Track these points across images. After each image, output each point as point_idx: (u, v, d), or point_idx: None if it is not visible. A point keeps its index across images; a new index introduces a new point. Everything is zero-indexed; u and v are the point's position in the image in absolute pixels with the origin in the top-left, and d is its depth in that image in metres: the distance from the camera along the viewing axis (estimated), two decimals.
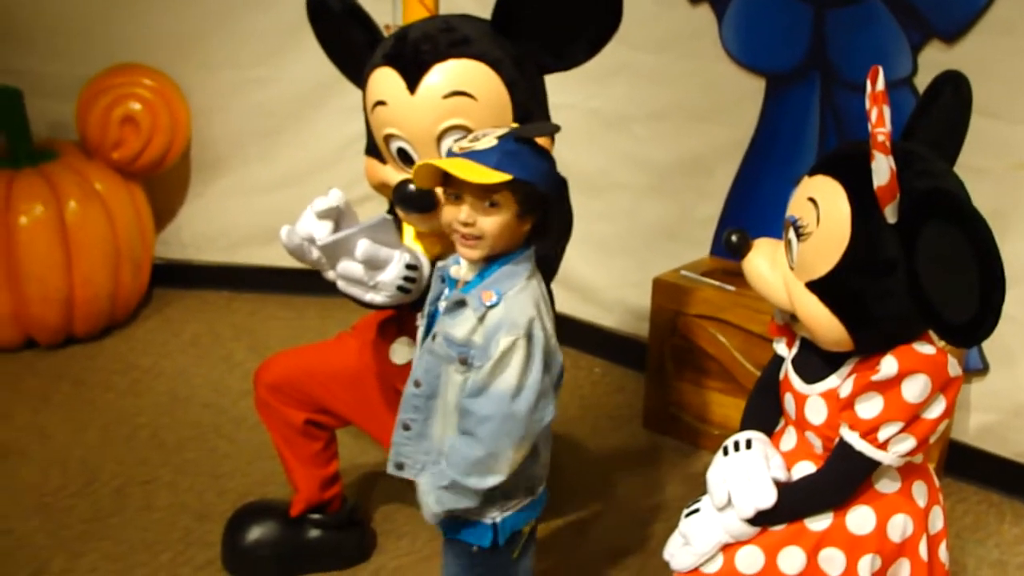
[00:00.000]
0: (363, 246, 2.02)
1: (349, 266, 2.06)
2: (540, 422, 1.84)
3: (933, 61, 2.83)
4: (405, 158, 2.14)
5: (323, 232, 2.05)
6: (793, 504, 1.83)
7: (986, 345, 2.95)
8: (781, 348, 1.97)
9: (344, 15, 2.33)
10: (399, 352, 2.35)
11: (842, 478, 1.82)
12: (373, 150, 2.24)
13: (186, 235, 4.21)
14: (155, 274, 4.06)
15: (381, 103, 2.12)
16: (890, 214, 1.66)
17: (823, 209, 1.72)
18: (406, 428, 1.94)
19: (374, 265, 2.04)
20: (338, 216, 2.08)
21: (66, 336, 3.72)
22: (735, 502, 1.83)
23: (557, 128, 1.92)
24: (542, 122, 1.77)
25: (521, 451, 1.84)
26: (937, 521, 1.92)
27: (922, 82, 2.77)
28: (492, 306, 1.81)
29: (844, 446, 1.78)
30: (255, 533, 2.55)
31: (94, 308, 3.70)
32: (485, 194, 1.77)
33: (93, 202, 3.64)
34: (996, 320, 1.59)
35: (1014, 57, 2.74)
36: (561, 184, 1.97)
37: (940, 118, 1.85)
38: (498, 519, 1.93)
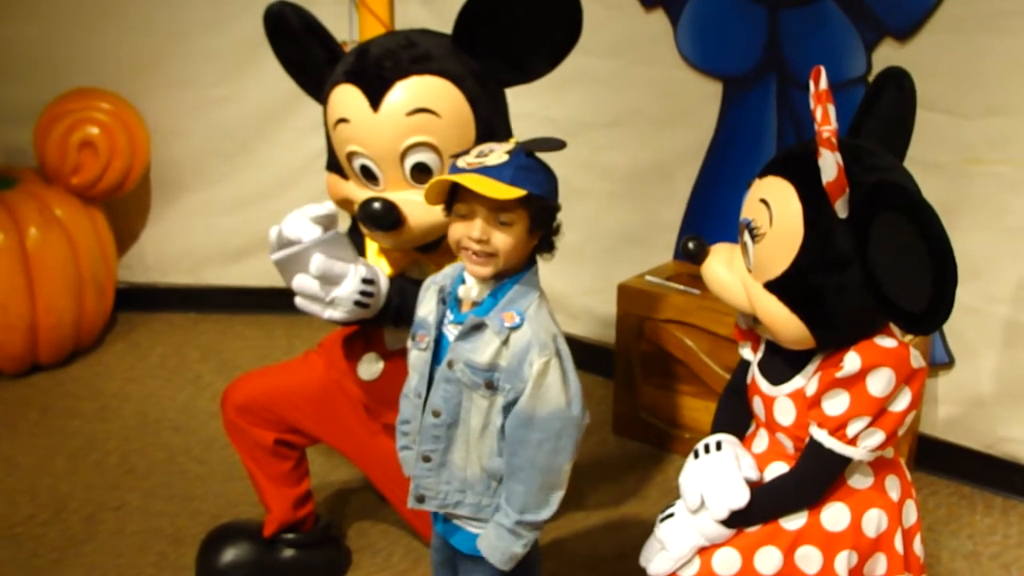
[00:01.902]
0: (317, 260, 2.00)
1: (304, 281, 2.04)
2: (584, 427, 1.84)
3: (887, 59, 2.85)
4: (368, 175, 2.14)
5: (313, 234, 2.03)
6: (767, 504, 1.84)
7: (950, 338, 2.98)
8: (746, 352, 1.99)
9: (303, 31, 2.32)
10: (366, 368, 2.34)
11: (814, 476, 1.83)
12: (335, 166, 2.23)
13: (149, 258, 4.19)
14: (119, 298, 4.03)
15: (343, 120, 2.12)
16: (841, 209, 1.68)
17: (775, 209, 1.74)
18: (426, 460, 1.89)
19: (329, 280, 2.03)
20: (329, 225, 2.06)
21: (31, 364, 3.68)
22: (708, 504, 1.84)
23: (563, 144, 1.84)
24: (547, 138, 1.76)
25: (572, 462, 1.84)
26: (911, 514, 1.93)
27: None
28: (515, 327, 1.78)
29: (814, 444, 1.79)
30: (229, 555, 2.53)
31: (58, 334, 3.67)
32: (499, 210, 1.74)
33: (54, 228, 3.61)
34: (951, 305, 1.62)
35: (964, 54, 2.77)
36: (558, 198, 1.92)
37: (885, 114, 1.87)
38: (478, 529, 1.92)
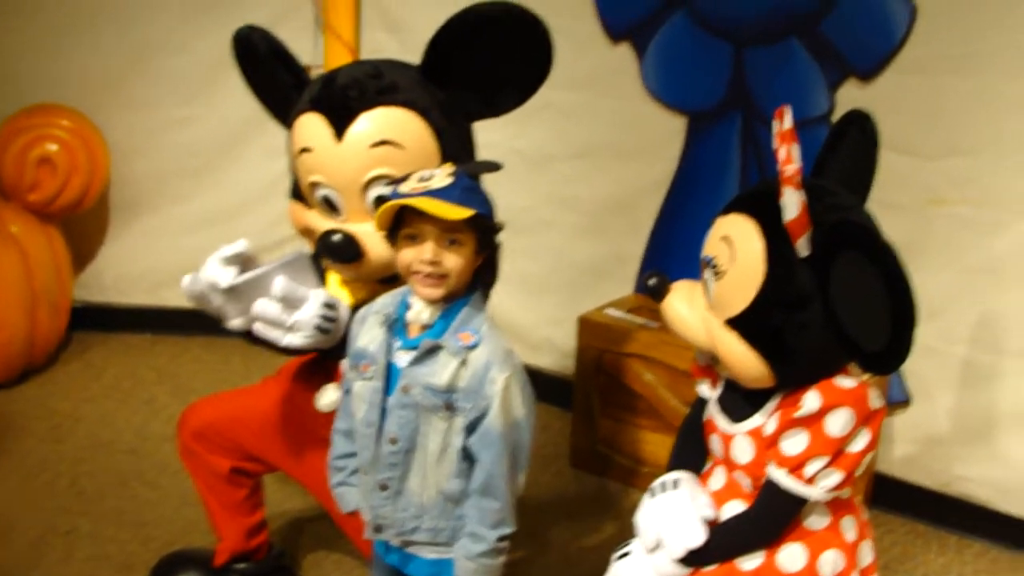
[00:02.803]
0: (280, 283, 1.98)
1: (265, 306, 2.01)
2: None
3: (850, 99, 2.88)
4: (330, 205, 2.12)
5: (227, 277, 2.00)
6: (723, 543, 1.83)
7: (908, 377, 3.00)
8: (704, 389, 1.98)
9: (269, 56, 2.29)
10: (325, 399, 2.32)
11: (772, 515, 1.82)
12: (298, 194, 2.21)
13: (107, 277, 4.15)
14: (75, 317, 3.98)
15: (306, 150, 2.10)
16: (802, 247, 1.68)
17: (737, 246, 1.74)
18: (383, 488, 1.89)
19: (291, 303, 2.00)
20: (244, 263, 2.05)
21: None
22: (665, 543, 1.83)
23: (499, 166, 1.90)
24: (483, 160, 1.78)
25: (524, 473, 1.87)
26: (866, 555, 1.93)
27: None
28: (472, 347, 1.80)
29: (772, 484, 1.79)
30: None
31: (10, 352, 3.62)
32: (448, 231, 1.76)
33: (8, 245, 3.57)
34: (910, 345, 1.63)
35: (927, 95, 2.79)
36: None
37: (848, 155, 1.89)
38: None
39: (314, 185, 2.11)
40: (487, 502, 1.84)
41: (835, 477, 1.75)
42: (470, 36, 2.12)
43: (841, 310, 1.67)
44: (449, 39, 2.14)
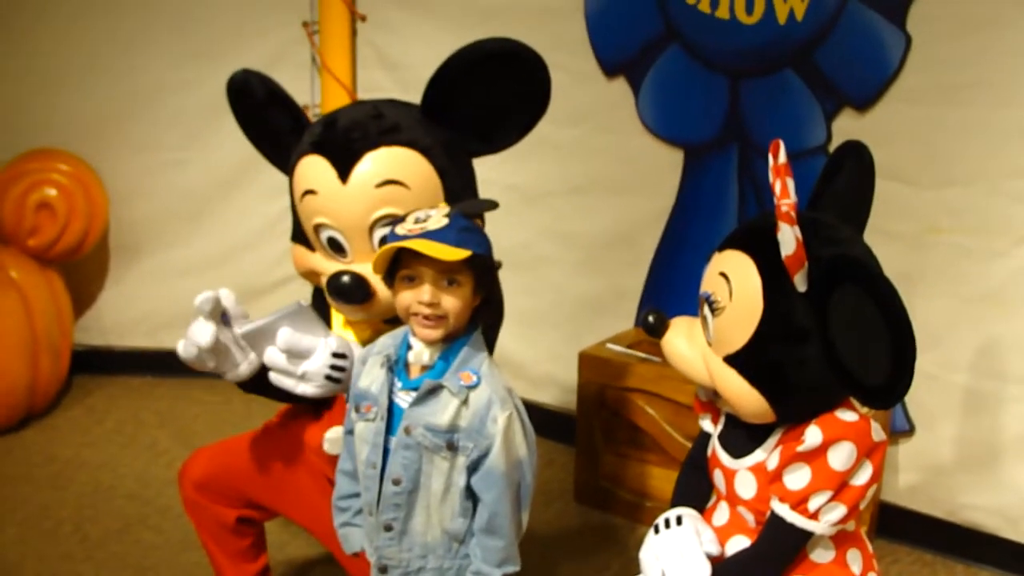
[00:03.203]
0: (284, 334, 1.98)
1: (274, 355, 2.01)
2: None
3: (846, 129, 2.88)
4: (336, 247, 2.12)
5: (207, 335, 2.00)
6: None
7: (911, 406, 2.99)
8: (707, 425, 1.98)
9: (267, 100, 2.29)
10: (331, 443, 2.31)
11: (776, 551, 1.82)
12: (300, 237, 2.21)
13: (107, 321, 4.14)
14: (75, 361, 3.98)
15: (311, 192, 2.09)
16: (800, 283, 1.68)
17: (735, 283, 1.74)
18: (388, 528, 1.89)
19: (296, 354, 2.00)
20: (221, 309, 2.04)
21: None
22: None
23: (495, 205, 1.90)
24: (479, 199, 1.80)
25: (527, 511, 1.87)
26: None
27: None
28: (473, 386, 1.81)
29: (775, 518, 1.78)
30: None
31: (11, 399, 3.61)
32: (445, 272, 1.77)
33: (8, 290, 3.57)
34: (910, 379, 1.63)
35: (923, 125, 2.80)
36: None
37: (845, 187, 1.90)
38: None
39: (319, 227, 2.11)
40: (491, 540, 1.84)
41: (839, 511, 1.75)
42: (471, 73, 2.13)
43: (841, 345, 1.67)
44: (450, 76, 2.15)
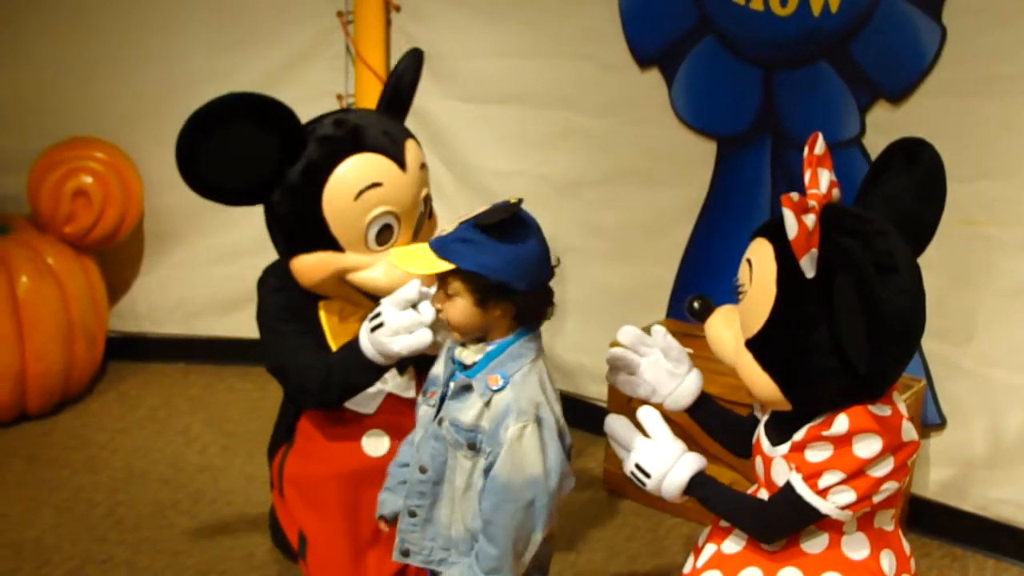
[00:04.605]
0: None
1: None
2: (562, 496, 1.87)
3: (880, 121, 2.87)
4: (386, 234, 2.28)
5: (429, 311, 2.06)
6: (722, 499, 1.92)
7: (942, 400, 2.98)
8: (757, 412, 2.01)
9: (284, 128, 2.32)
10: (373, 444, 2.34)
11: (778, 514, 1.85)
12: (314, 244, 2.29)
13: (141, 307, 4.17)
14: (110, 347, 4.01)
15: (375, 185, 2.25)
16: (807, 267, 1.69)
17: (755, 269, 1.77)
18: (412, 515, 1.92)
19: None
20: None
21: (19, 413, 3.66)
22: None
23: (513, 208, 1.84)
24: (498, 205, 1.79)
25: (545, 531, 1.85)
26: None
27: (869, 142, 2.83)
28: (498, 390, 1.82)
29: (787, 486, 1.81)
30: None
31: (47, 384, 3.65)
32: (442, 283, 1.81)
33: (45, 277, 3.60)
34: (886, 366, 1.69)
35: (958, 116, 2.79)
36: (529, 271, 1.85)
37: (898, 187, 1.88)
38: None
39: (377, 218, 2.26)
40: (486, 546, 1.84)
41: (847, 495, 1.75)
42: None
43: (839, 332, 1.69)
44: (413, 82, 2.59)
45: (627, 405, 3.15)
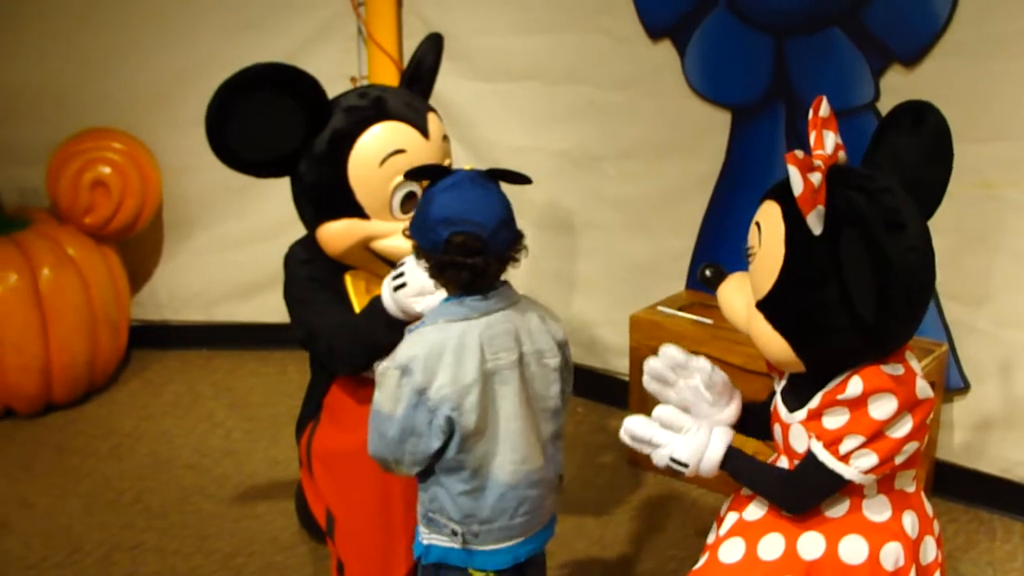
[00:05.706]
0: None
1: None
2: (413, 454, 1.91)
3: (894, 86, 2.86)
4: (411, 202, 2.30)
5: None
6: (746, 468, 1.93)
7: (965, 363, 2.97)
8: (775, 381, 2.00)
9: (307, 98, 2.36)
10: None
11: (803, 484, 1.85)
12: (341, 211, 2.33)
13: (162, 295, 4.19)
14: (133, 336, 4.03)
15: (399, 151, 2.32)
16: (814, 224, 1.69)
17: (764, 230, 1.78)
18: None
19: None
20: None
21: (45, 403, 3.69)
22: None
23: (445, 169, 2.02)
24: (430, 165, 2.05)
25: (400, 468, 1.94)
26: (929, 552, 1.92)
27: (884, 107, 2.82)
28: (410, 332, 1.93)
29: (810, 455, 1.81)
30: None
31: (72, 374, 3.68)
32: None
33: (67, 268, 3.63)
34: (895, 324, 1.71)
35: (972, 78, 2.77)
36: (421, 230, 1.92)
37: (902, 148, 1.88)
38: (423, 539, 2.01)
39: (400, 185, 2.32)
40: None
41: (869, 459, 1.76)
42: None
43: (850, 287, 1.70)
44: (433, 65, 2.69)
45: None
